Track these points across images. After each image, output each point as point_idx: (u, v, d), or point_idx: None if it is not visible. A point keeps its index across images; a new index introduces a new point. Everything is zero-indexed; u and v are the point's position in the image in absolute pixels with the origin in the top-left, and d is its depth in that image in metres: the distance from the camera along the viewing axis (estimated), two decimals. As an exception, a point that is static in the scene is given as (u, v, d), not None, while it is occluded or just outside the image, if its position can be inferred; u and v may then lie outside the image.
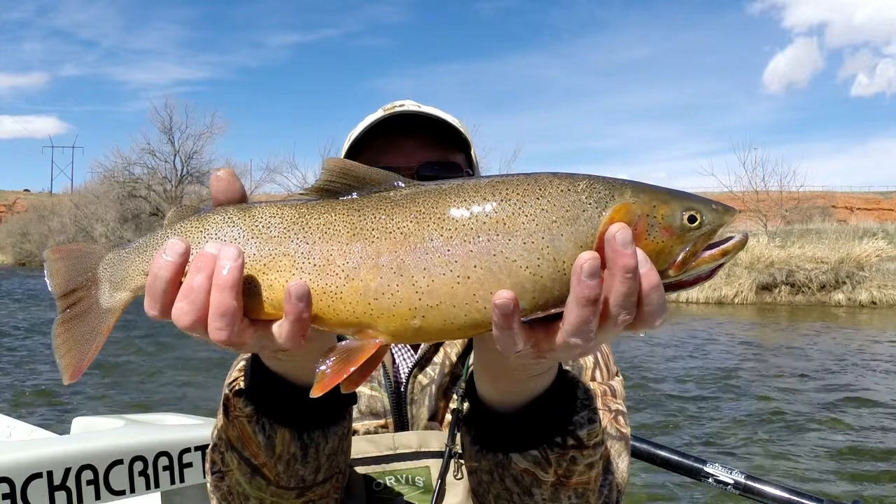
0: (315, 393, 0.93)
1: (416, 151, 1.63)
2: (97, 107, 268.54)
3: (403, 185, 1.00)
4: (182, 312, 0.95)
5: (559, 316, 0.91)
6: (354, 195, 1.00)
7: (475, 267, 0.91)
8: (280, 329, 0.96)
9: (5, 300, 29.91)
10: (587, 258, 0.87)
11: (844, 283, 30.10)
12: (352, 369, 0.93)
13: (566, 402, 1.22)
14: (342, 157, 1.67)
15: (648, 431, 9.02)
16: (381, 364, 1.58)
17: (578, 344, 0.91)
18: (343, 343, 0.96)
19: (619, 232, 0.88)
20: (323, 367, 0.94)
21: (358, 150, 1.65)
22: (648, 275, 0.89)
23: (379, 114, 1.65)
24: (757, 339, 20.23)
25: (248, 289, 0.96)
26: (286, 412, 1.24)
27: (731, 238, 0.97)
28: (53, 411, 10.09)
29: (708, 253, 0.95)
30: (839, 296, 29.87)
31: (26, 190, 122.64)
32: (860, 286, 29.74)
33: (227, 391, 1.33)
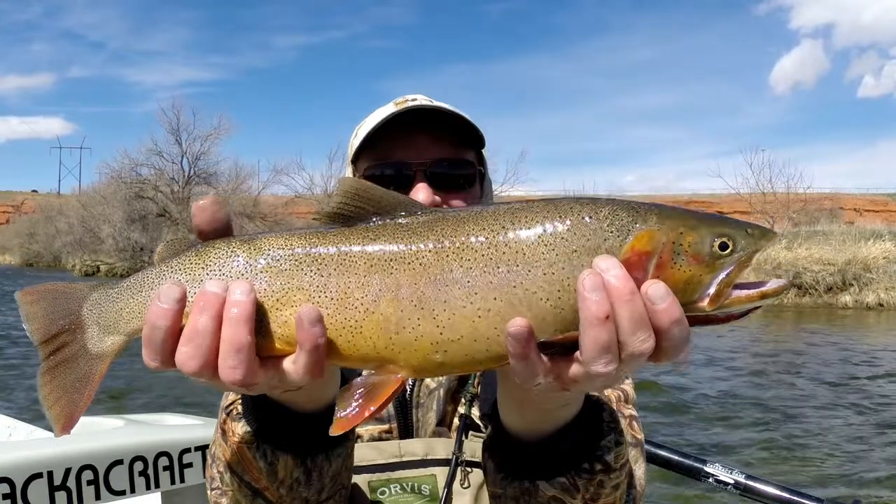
0: (335, 432, 0.90)
1: (429, 147, 1.58)
2: (104, 108, 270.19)
3: (420, 211, 0.96)
4: (187, 357, 0.91)
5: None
6: (369, 223, 0.96)
7: (495, 299, 0.88)
8: (295, 364, 0.92)
9: (10, 300, 30.02)
10: (586, 274, 0.85)
11: (851, 284, 29.98)
12: (375, 407, 0.90)
13: (592, 426, 1.19)
14: (350, 152, 1.65)
15: (649, 432, 8.99)
16: None
17: (599, 372, 0.87)
18: (362, 378, 0.93)
19: (601, 261, 0.86)
20: (343, 406, 0.91)
21: (370, 143, 1.60)
22: (669, 309, 0.85)
23: (391, 108, 1.60)
24: (763, 340, 20.15)
25: (258, 327, 0.92)
26: (288, 438, 1.20)
27: (771, 281, 0.91)
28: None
29: (745, 293, 0.90)
30: (846, 298, 29.75)
31: (34, 191, 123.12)
32: (867, 288, 29.63)
33: (223, 415, 1.30)
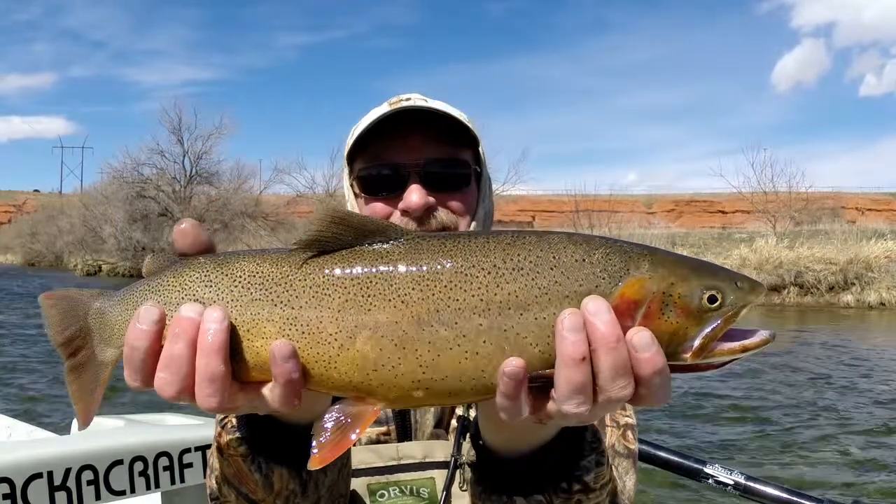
0: (313, 466, 0.90)
1: (423, 147, 1.55)
2: (106, 107, 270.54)
3: (402, 238, 0.93)
4: (165, 383, 0.92)
5: None
6: (346, 251, 0.93)
7: (485, 342, 0.87)
8: (272, 393, 0.92)
9: (12, 300, 30.02)
10: (567, 314, 0.85)
11: (853, 284, 29.92)
12: (352, 438, 0.89)
13: (573, 446, 1.19)
14: (346, 152, 1.63)
15: (650, 432, 8.98)
16: None
17: (571, 412, 0.87)
18: (340, 407, 0.91)
19: (591, 302, 0.86)
20: (321, 440, 0.90)
21: (363, 144, 1.58)
22: (653, 359, 0.85)
23: (384, 108, 1.58)
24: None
25: (233, 354, 0.91)
26: (281, 450, 1.21)
27: (755, 333, 0.91)
28: (53, 411, 10.10)
29: (728, 346, 0.89)
30: (848, 297, 29.69)
31: (36, 190, 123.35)
32: (869, 287, 29.57)
33: (219, 428, 1.30)
